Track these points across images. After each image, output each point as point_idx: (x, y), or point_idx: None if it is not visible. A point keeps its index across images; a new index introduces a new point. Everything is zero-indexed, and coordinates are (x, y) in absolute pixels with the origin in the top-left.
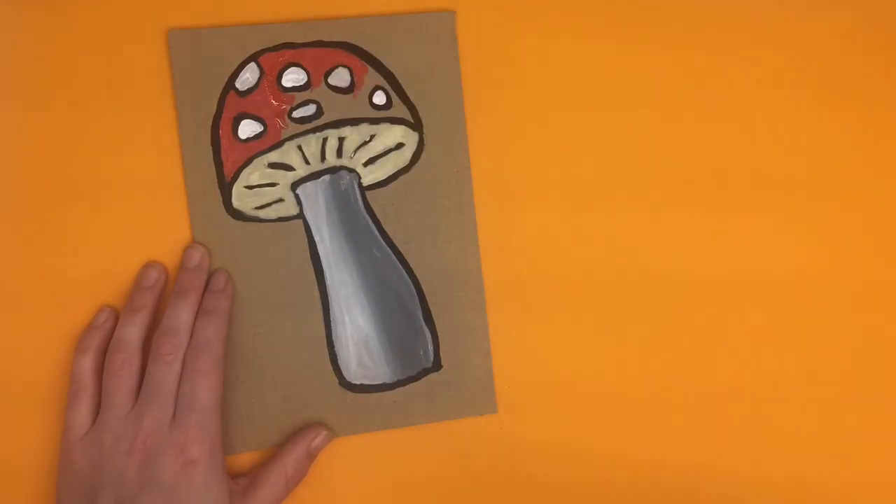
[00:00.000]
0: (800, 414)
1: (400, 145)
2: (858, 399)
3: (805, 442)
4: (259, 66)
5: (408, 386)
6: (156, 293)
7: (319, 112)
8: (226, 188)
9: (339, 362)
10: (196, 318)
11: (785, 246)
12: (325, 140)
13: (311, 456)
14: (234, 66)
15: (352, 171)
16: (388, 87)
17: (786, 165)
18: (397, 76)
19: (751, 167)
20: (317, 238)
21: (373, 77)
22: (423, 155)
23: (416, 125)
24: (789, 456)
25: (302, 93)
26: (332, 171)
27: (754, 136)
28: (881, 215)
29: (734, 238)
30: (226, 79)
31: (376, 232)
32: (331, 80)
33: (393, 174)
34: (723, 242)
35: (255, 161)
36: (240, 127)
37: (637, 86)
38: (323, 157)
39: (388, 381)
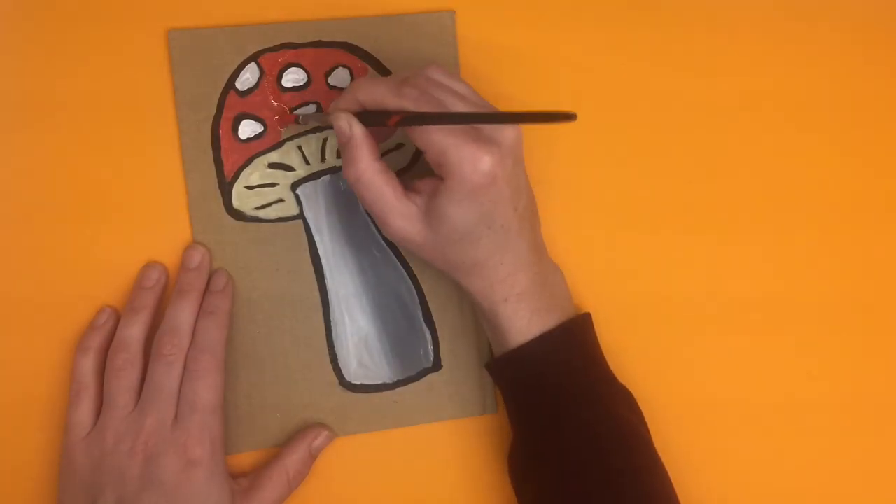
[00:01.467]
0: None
1: (400, 145)
2: None
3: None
4: (259, 66)
5: (408, 386)
6: (157, 293)
7: (319, 112)
8: (226, 188)
9: (339, 362)
10: (197, 318)
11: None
12: (325, 140)
13: (312, 456)
14: (234, 66)
15: None
16: None
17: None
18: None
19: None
20: (317, 238)
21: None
22: (423, 155)
23: None
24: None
25: (302, 93)
26: (332, 171)
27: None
28: None
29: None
30: (226, 79)
31: (376, 232)
32: (331, 81)
33: None
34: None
35: (256, 161)
36: (240, 127)
37: (636, 84)
38: (323, 157)
39: (388, 381)
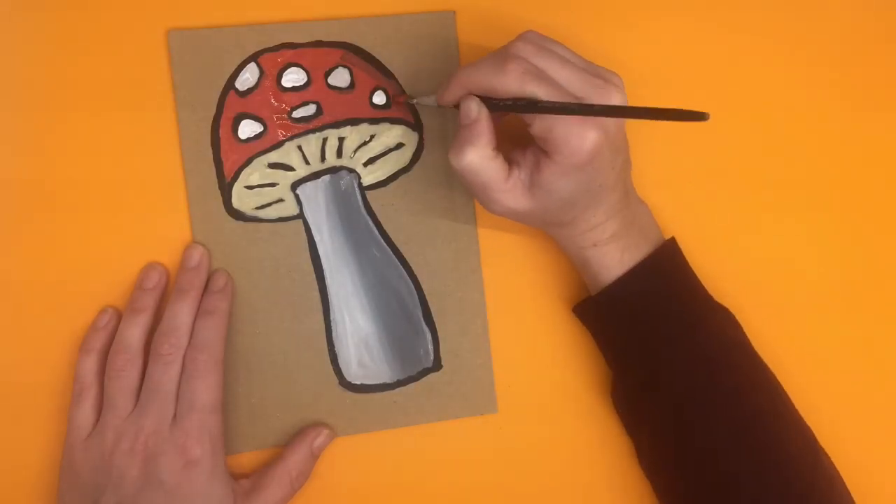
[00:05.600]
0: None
1: (400, 145)
2: None
3: None
4: (259, 66)
5: (408, 386)
6: (157, 294)
7: (319, 112)
8: (226, 188)
9: (339, 362)
10: (196, 318)
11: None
12: (325, 140)
13: (314, 456)
14: (234, 66)
15: (352, 171)
16: (388, 87)
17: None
18: (397, 76)
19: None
20: (317, 238)
21: (373, 77)
22: (423, 155)
23: (416, 125)
24: None
25: (302, 93)
26: (332, 171)
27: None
28: None
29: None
30: (226, 79)
31: (376, 232)
32: (331, 80)
33: (393, 174)
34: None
35: (255, 161)
36: (240, 127)
37: (637, 85)
38: (323, 158)
39: (388, 381)
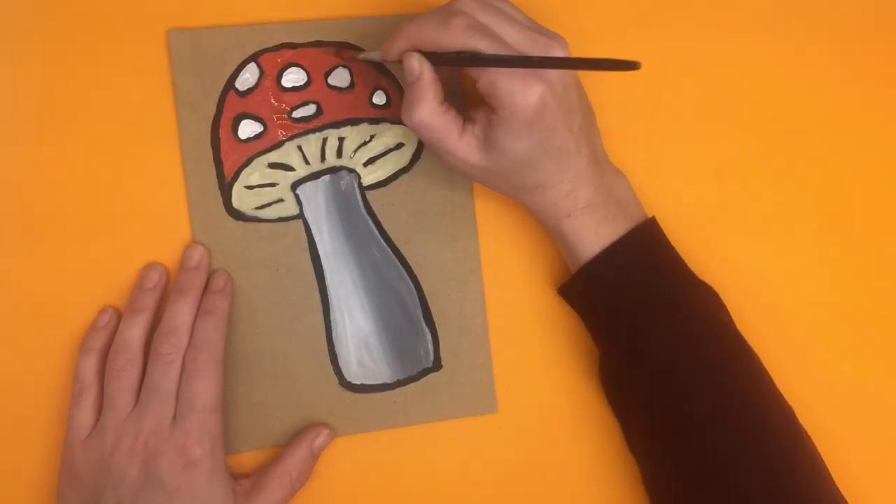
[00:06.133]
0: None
1: (400, 145)
2: None
3: None
4: (259, 66)
5: (408, 386)
6: (157, 295)
7: (319, 112)
8: (226, 188)
9: (340, 362)
10: (196, 318)
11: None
12: (325, 140)
13: (314, 456)
14: (234, 66)
15: (352, 171)
16: (388, 87)
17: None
18: (397, 76)
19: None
20: (317, 238)
21: (373, 77)
22: (423, 154)
23: None
24: None
25: (302, 93)
26: (332, 171)
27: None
28: None
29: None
30: (226, 79)
31: (376, 232)
32: (331, 80)
33: (393, 174)
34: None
35: (255, 161)
36: (240, 127)
37: (637, 85)
38: (323, 158)
39: (388, 381)
